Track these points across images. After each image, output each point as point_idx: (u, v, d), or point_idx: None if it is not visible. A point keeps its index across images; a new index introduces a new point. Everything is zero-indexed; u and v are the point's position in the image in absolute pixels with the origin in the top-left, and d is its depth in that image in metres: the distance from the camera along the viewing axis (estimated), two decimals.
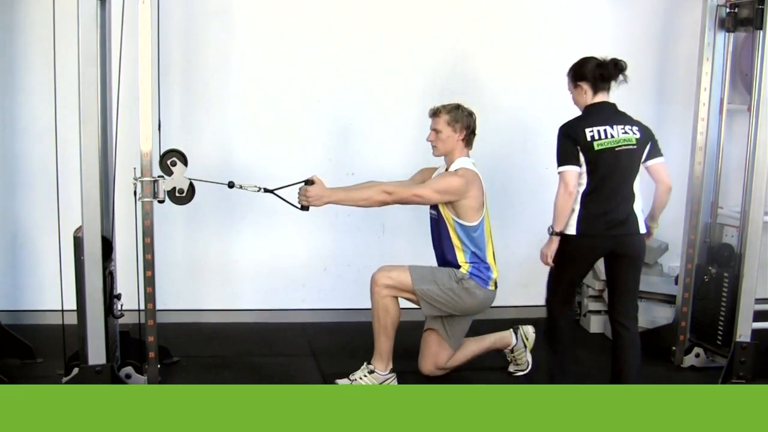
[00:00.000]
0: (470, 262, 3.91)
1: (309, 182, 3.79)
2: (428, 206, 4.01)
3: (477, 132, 3.99)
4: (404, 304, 3.97)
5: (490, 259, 3.97)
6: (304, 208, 3.83)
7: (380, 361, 3.94)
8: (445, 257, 3.97)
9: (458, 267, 3.92)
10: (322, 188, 3.78)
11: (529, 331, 4.28)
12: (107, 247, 3.73)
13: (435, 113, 3.94)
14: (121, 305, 3.89)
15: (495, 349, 4.27)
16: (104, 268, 3.66)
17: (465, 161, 3.94)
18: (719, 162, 4.55)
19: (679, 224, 4.53)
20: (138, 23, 3.62)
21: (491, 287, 3.96)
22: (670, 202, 5.14)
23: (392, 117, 4.93)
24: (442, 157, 4.00)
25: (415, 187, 3.90)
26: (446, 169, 3.98)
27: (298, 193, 3.81)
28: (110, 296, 3.79)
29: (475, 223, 3.89)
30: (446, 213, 3.90)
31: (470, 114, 3.95)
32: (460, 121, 3.90)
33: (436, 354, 4.06)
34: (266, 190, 3.87)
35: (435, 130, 3.93)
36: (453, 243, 3.92)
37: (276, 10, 4.79)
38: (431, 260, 4.06)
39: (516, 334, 4.25)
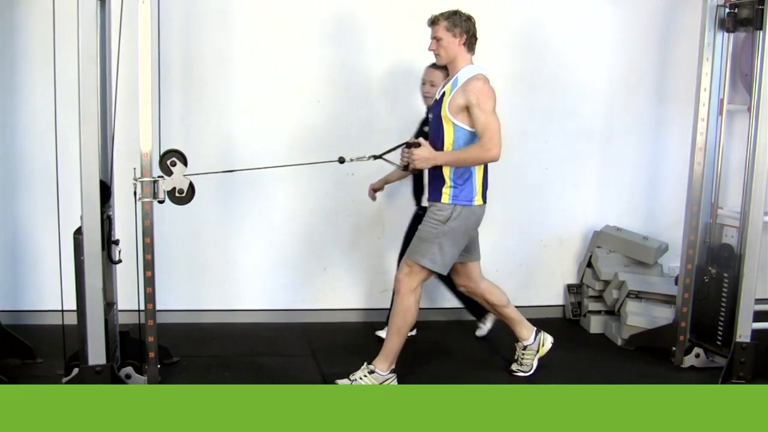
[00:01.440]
0: (452, 177, 3.84)
1: (415, 144, 3.84)
2: (431, 107, 4.00)
3: (477, 36, 3.94)
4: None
5: (477, 174, 3.88)
6: (406, 168, 3.93)
7: (385, 360, 3.94)
8: (434, 168, 3.90)
9: (439, 191, 3.87)
10: (429, 150, 3.82)
11: (548, 340, 4.27)
12: (105, 190, 3.71)
13: (433, 21, 3.89)
14: (119, 251, 3.86)
15: (511, 328, 4.26)
16: (102, 213, 3.63)
17: (474, 68, 3.88)
18: (719, 162, 4.54)
19: (679, 225, 4.53)
20: (138, 23, 3.62)
21: (478, 202, 3.90)
22: (670, 202, 5.18)
23: (392, 117, 4.93)
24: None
25: (487, 127, 3.74)
26: (447, 82, 3.90)
27: (402, 155, 3.94)
28: (108, 241, 3.78)
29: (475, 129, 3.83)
30: (446, 113, 3.83)
31: (468, 18, 3.90)
32: (459, 25, 3.86)
33: (466, 269, 4.12)
34: (375, 157, 4.04)
35: (435, 38, 3.89)
36: (445, 149, 3.86)
37: (276, 9, 4.79)
38: None
39: (536, 335, 4.24)
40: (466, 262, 4.10)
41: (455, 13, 3.87)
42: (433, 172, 3.92)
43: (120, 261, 3.88)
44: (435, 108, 3.93)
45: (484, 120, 3.75)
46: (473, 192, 3.88)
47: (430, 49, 3.91)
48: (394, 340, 3.92)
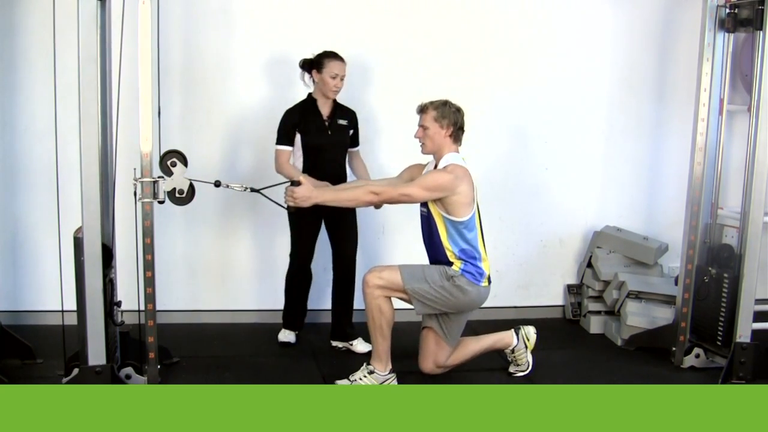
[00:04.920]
0: (460, 258, 3.89)
1: (296, 183, 3.81)
2: (419, 204, 4.00)
3: (465, 129, 3.96)
4: (399, 304, 3.97)
5: (481, 255, 3.94)
6: (291, 208, 3.88)
7: (379, 361, 3.94)
8: (435, 253, 3.96)
9: (449, 264, 3.91)
10: (308, 189, 3.82)
11: (531, 331, 4.27)
12: (107, 254, 3.73)
13: (422, 110, 3.94)
14: (122, 312, 3.89)
15: (496, 350, 4.26)
16: (104, 276, 3.65)
17: (454, 157, 3.92)
18: (719, 162, 4.54)
19: (679, 225, 4.53)
20: (138, 23, 3.62)
21: (484, 283, 3.95)
22: (670, 202, 5.18)
23: (392, 118, 4.93)
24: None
25: (402, 186, 3.90)
26: (435, 166, 3.97)
27: (285, 193, 3.85)
28: (110, 304, 3.79)
29: (465, 219, 3.87)
30: (435, 209, 3.89)
31: (458, 110, 3.93)
32: (447, 117, 3.89)
33: (435, 352, 4.06)
34: (252, 190, 3.93)
35: (422, 127, 3.93)
36: (442, 239, 3.90)
37: (276, 9, 4.79)
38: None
39: (517, 334, 4.24)
40: (441, 341, 4.04)
41: (445, 104, 3.91)
42: (434, 254, 3.95)
43: (123, 323, 3.88)
44: (423, 204, 3.97)
45: (417, 184, 3.83)
46: (481, 269, 3.92)
47: (416, 137, 3.95)
48: (379, 341, 3.92)
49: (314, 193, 3.83)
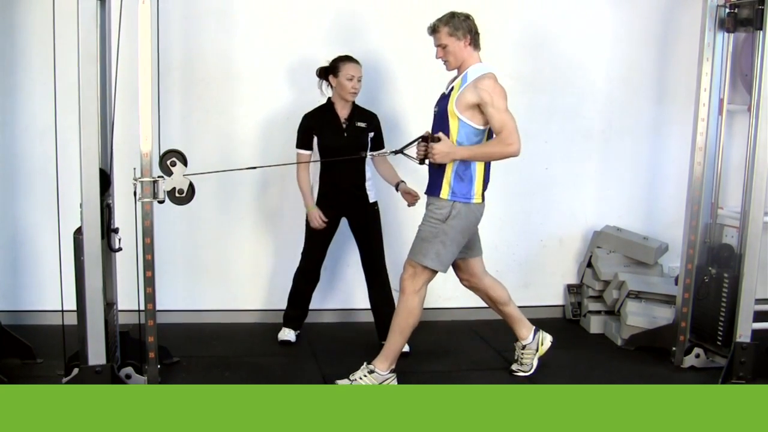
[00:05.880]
0: (456, 171, 3.81)
1: (435, 139, 3.77)
2: (435, 104, 3.95)
3: (479, 31, 3.89)
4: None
5: (477, 172, 3.86)
6: (423, 162, 3.87)
7: (385, 360, 3.93)
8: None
9: (441, 179, 3.83)
10: (449, 145, 3.76)
11: (547, 339, 4.26)
12: (105, 179, 3.71)
13: (434, 30, 3.84)
14: (119, 239, 3.86)
15: (510, 327, 4.24)
16: (102, 201, 3.63)
17: (483, 67, 3.84)
18: (719, 162, 4.55)
19: (679, 225, 4.53)
20: (138, 23, 3.62)
21: (476, 200, 3.87)
22: (670, 202, 5.18)
23: (392, 116, 4.93)
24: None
25: (505, 125, 3.73)
26: (456, 78, 3.87)
27: (418, 147, 3.84)
28: (108, 230, 3.78)
29: (481, 127, 3.80)
30: (452, 109, 3.79)
31: (467, 17, 3.85)
32: (461, 27, 3.81)
33: (467, 268, 4.11)
34: (395, 152, 4.01)
35: (440, 46, 3.85)
36: (451, 141, 3.82)
37: (276, 9, 4.79)
38: None
39: (535, 334, 4.23)
40: (468, 258, 4.09)
41: (453, 16, 3.83)
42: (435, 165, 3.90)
43: (120, 249, 3.87)
44: (441, 102, 3.90)
45: (500, 118, 3.73)
46: (472, 189, 3.86)
47: (437, 58, 3.88)
48: (396, 340, 3.92)
49: (453, 148, 3.77)
